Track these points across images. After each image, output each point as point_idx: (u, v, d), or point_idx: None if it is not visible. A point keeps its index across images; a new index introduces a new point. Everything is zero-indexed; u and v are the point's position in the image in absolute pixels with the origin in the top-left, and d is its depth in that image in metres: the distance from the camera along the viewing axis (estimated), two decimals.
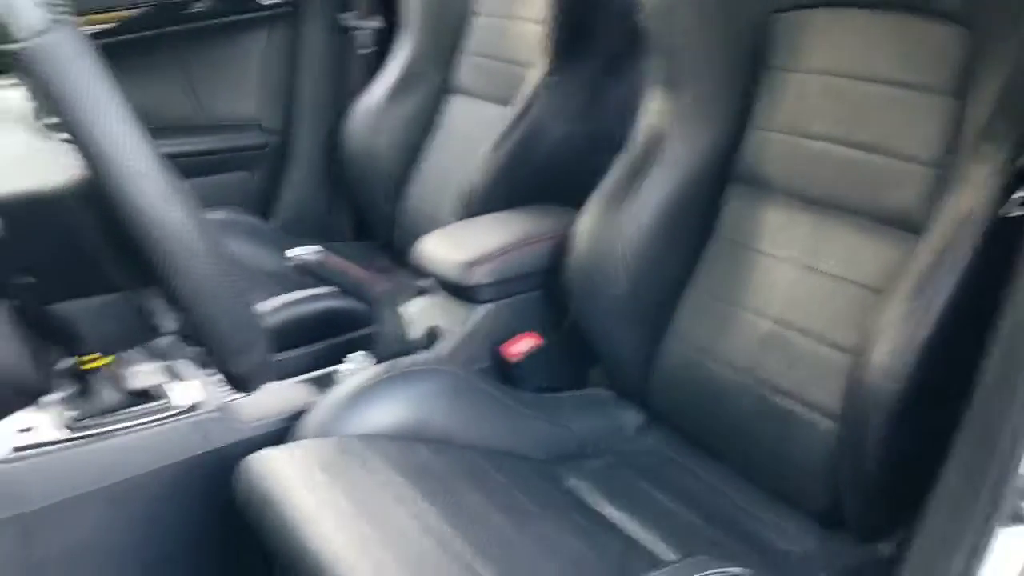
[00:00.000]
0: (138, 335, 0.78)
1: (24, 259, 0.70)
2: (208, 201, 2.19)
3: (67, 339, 0.76)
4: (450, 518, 1.10)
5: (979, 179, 1.02)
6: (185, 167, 2.12)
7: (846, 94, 1.24)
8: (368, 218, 2.24)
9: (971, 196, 1.02)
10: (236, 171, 2.24)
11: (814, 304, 1.25)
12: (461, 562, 1.02)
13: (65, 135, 0.64)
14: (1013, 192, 0.97)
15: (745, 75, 1.36)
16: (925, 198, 1.12)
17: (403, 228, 2.10)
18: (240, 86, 2.24)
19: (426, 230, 1.75)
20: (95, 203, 0.63)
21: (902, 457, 1.05)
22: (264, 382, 0.80)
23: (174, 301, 0.67)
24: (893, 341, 1.02)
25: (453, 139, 2.08)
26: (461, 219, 1.79)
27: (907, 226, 1.15)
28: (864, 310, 1.15)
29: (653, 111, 1.42)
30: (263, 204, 2.28)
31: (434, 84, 2.12)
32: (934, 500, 0.89)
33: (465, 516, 1.12)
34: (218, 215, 2.15)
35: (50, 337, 0.76)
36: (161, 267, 0.64)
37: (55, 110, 0.61)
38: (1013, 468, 0.83)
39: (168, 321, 0.80)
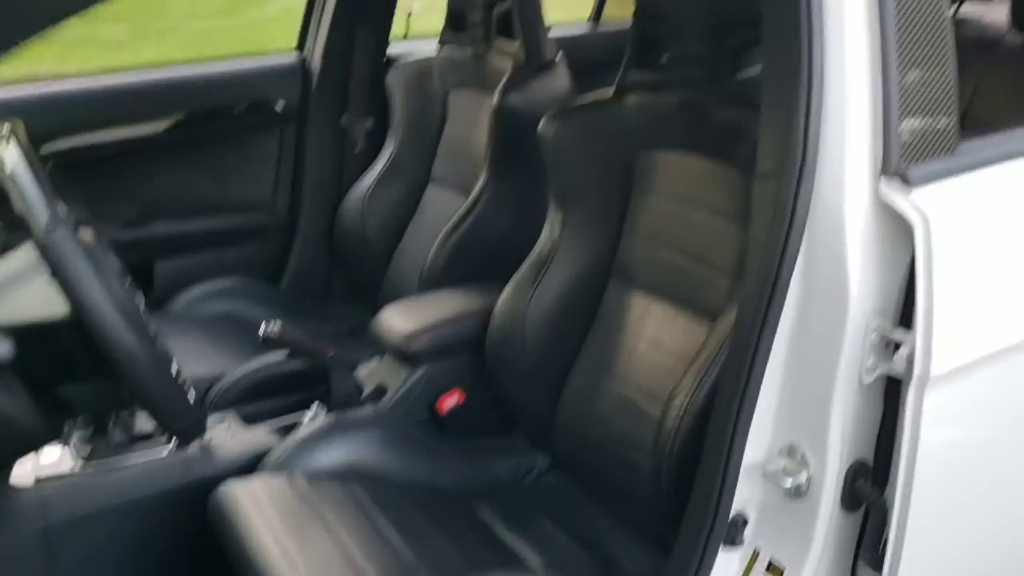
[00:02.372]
0: (114, 405, 1.17)
1: (38, 357, 1.11)
2: (227, 269, 2.65)
3: (65, 407, 1.16)
4: (361, 542, 1.46)
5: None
6: (210, 240, 2.58)
7: (682, 215, 1.60)
8: (360, 284, 2.65)
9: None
10: (250, 244, 2.66)
11: (657, 375, 1.59)
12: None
13: None
14: None
15: (619, 196, 1.72)
16: (724, 300, 1.48)
17: (387, 294, 2.48)
18: (257, 174, 2.67)
19: (403, 297, 2.14)
20: (81, 329, 1.03)
21: (687, 500, 1.38)
22: (197, 436, 1.17)
23: (128, 386, 1.06)
24: (677, 409, 1.37)
25: (428, 222, 2.47)
26: (420, 292, 2.18)
27: (715, 319, 1.50)
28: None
29: (552, 220, 1.79)
30: (273, 272, 2.70)
31: (415, 176, 2.53)
32: (682, 526, 1.23)
33: (376, 540, 1.48)
34: (233, 282, 2.57)
35: (54, 405, 1.16)
36: (118, 367, 1.03)
37: (58, 280, 1.01)
38: (724, 507, 1.17)
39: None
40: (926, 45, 1.05)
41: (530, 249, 1.85)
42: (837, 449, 1.09)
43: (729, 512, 1.17)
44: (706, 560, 1.18)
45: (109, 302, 1.00)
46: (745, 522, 1.19)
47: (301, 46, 2.69)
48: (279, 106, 2.59)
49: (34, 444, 1.20)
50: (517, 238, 2.13)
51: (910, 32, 1.04)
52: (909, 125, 1.04)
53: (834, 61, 1.02)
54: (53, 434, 1.17)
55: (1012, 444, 1.18)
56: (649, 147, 1.66)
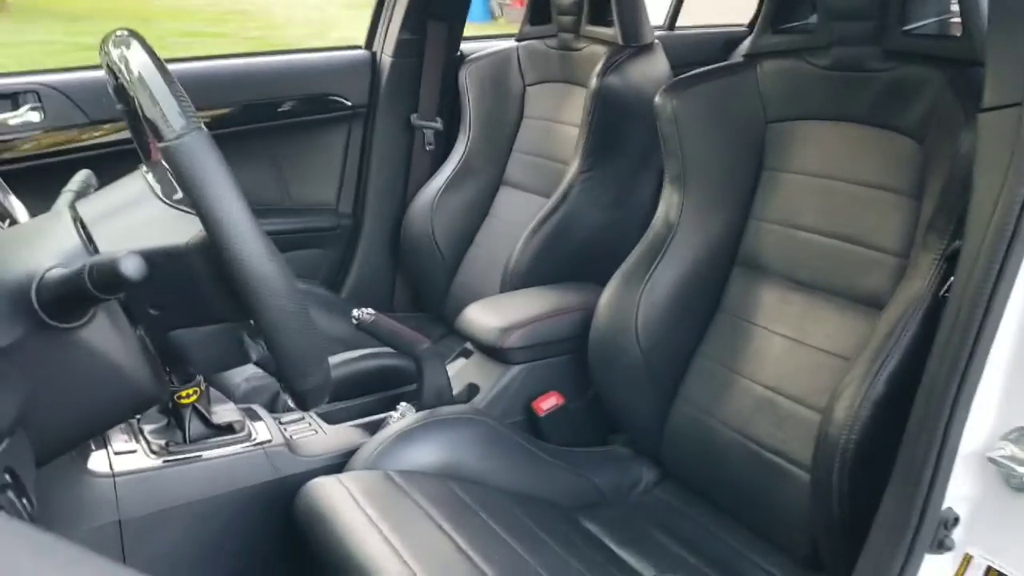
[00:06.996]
0: (233, 360, 1.01)
1: (153, 297, 0.95)
2: None
3: (180, 360, 1.00)
4: (472, 540, 1.29)
5: (925, 265, 1.20)
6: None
7: (828, 192, 1.44)
8: (425, 292, 2.49)
9: (919, 279, 1.20)
10: (312, 248, 2.51)
11: (800, 373, 1.43)
12: (479, 574, 1.21)
13: (190, 208, 0.89)
14: (949, 276, 1.15)
15: (745, 174, 1.57)
16: (890, 282, 1.31)
17: (455, 301, 2.33)
18: (320, 174, 2.53)
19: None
20: (210, 256, 0.88)
21: (864, 500, 1.20)
22: (320, 402, 1.01)
23: (258, 331, 0.89)
24: (851, 398, 1.20)
25: (501, 225, 2.33)
26: (502, 293, 2.01)
27: (877, 305, 1.33)
28: (839, 377, 1.33)
29: (667, 203, 1.63)
30: (334, 278, 2.54)
31: (487, 178, 2.39)
32: (874, 529, 1.05)
33: (485, 540, 1.31)
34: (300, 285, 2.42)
35: (167, 357, 1.01)
36: (252, 305, 0.87)
37: (186, 191, 0.85)
38: (934, 502, 0.99)
39: (253, 351, 1.03)
40: None
41: (625, 247, 1.69)
42: None
43: (939, 511, 0.99)
44: (908, 569, 1.00)
45: (249, 219, 0.84)
46: (956, 521, 1.01)
47: (369, 44, 2.57)
48: (348, 103, 2.45)
49: (142, 404, 1.04)
50: (611, 234, 2.00)
51: None
52: None
53: None
54: (161, 393, 1.01)
55: None
56: (786, 117, 1.51)
